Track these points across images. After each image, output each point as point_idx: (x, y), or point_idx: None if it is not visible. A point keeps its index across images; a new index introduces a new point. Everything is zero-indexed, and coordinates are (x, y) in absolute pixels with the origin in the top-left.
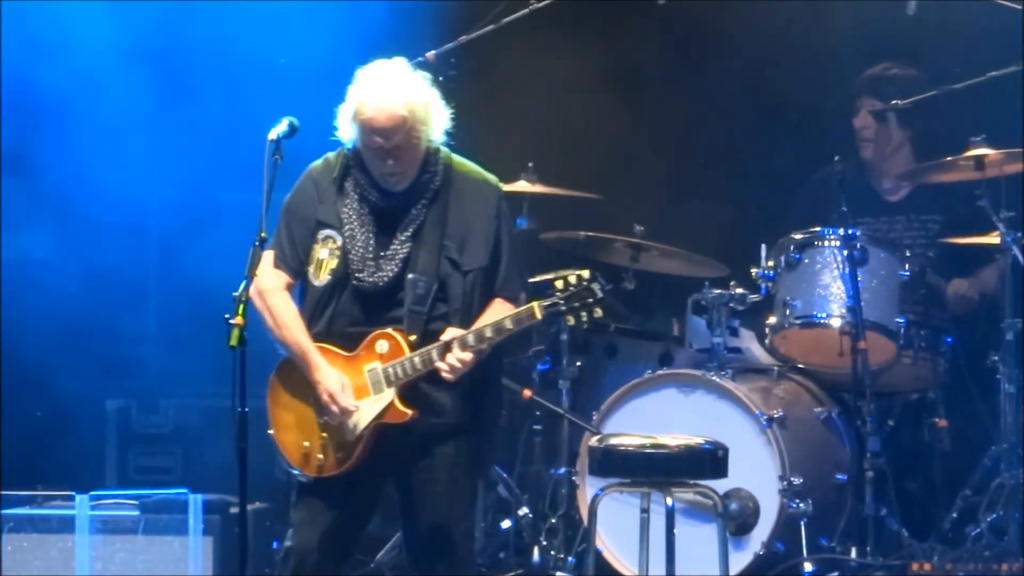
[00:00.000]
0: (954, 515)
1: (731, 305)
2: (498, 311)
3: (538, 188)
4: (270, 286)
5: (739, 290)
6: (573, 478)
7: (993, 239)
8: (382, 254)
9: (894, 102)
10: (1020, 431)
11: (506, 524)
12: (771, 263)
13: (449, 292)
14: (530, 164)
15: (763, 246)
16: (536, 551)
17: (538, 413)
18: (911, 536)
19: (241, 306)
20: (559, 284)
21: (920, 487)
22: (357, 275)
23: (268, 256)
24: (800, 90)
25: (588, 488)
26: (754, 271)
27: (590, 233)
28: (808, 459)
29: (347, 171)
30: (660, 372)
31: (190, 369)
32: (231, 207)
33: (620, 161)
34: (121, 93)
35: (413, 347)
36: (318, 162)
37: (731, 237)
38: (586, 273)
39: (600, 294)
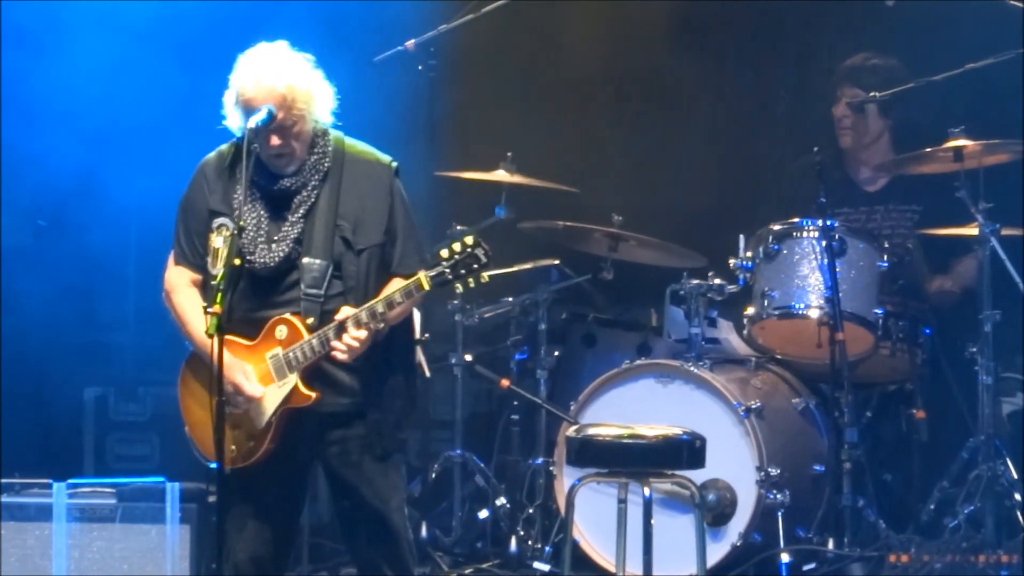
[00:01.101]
0: (931, 507)
1: (709, 296)
2: (393, 288)
3: (516, 178)
4: (175, 284)
5: (717, 281)
6: (551, 468)
7: (972, 230)
8: (275, 236)
9: (873, 93)
10: (997, 423)
11: (483, 514)
12: (749, 254)
13: (344, 271)
14: (509, 154)
15: (741, 237)
16: (513, 541)
17: (516, 403)
18: (888, 527)
19: (218, 295)
20: (444, 253)
21: (898, 478)
22: (249, 257)
23: (170, 257)
24: (779, 80)
25: (566, 478)
26: (732, 262)
27: (568, 223)
28: (786, 450)
29: (236, 159)
30: (638, 362)
31: (168, 357)
32: None
33: (599, 151)
34: (97, 83)
35: (311, 330)
36: (210, 155)
37: (709, 227)
38: (470, 239)
39: (484, 259)
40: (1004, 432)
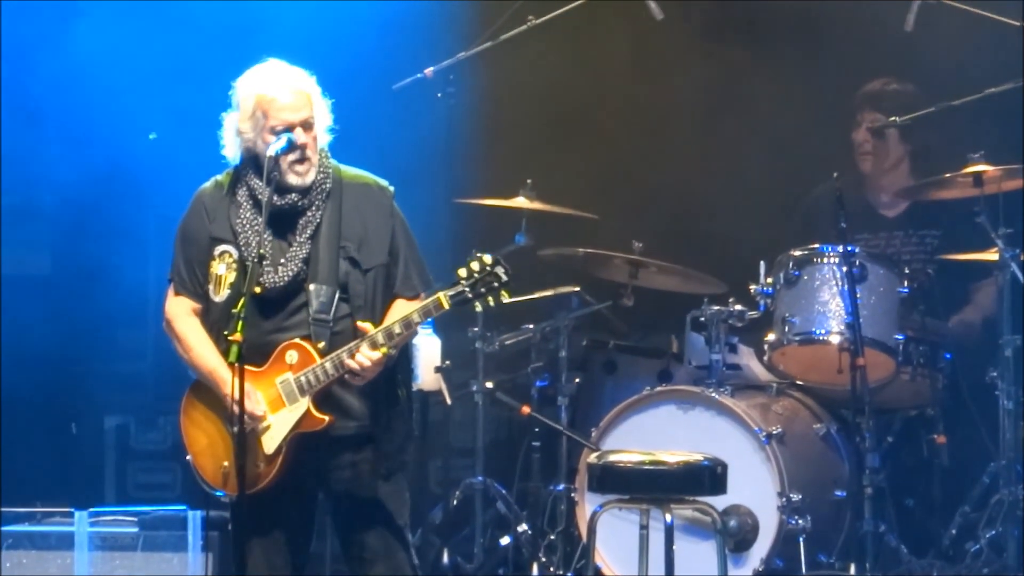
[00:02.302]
0: (953, 531)
1: (730, 322)
2: (402, 309)
3: (536, 205)
4: (175, 313)
5: (738, 307)
6: (572, 494)
7: (992, 255)
8: (281, 258)
9: (893, 118)
10: (1019, 447)
11: (505, 540)
12: (770, 280)
13: (351, 291)
14: (528, 181)
15: (762, 263)
16: (535, 568)
17: (537, 430)
18: (910, 552)
19: (239, 322)
20: (463, 272)
21: (919, 503)
22: (257, 279)
23: (169, 288)
24: (798, 106)
25: (587, 504)
26: (753, 288)
27: (588, 250)
28: (807, 475)
29: (236, 185)
30: (659, 389)
31: (188, 386)
32: None
33: (619, 178)
34: (124, 110)
35: (322, 354)
36: (207, 184)
37: (729, 254)
38: (488, 258)
39: (504, 277)
40: None
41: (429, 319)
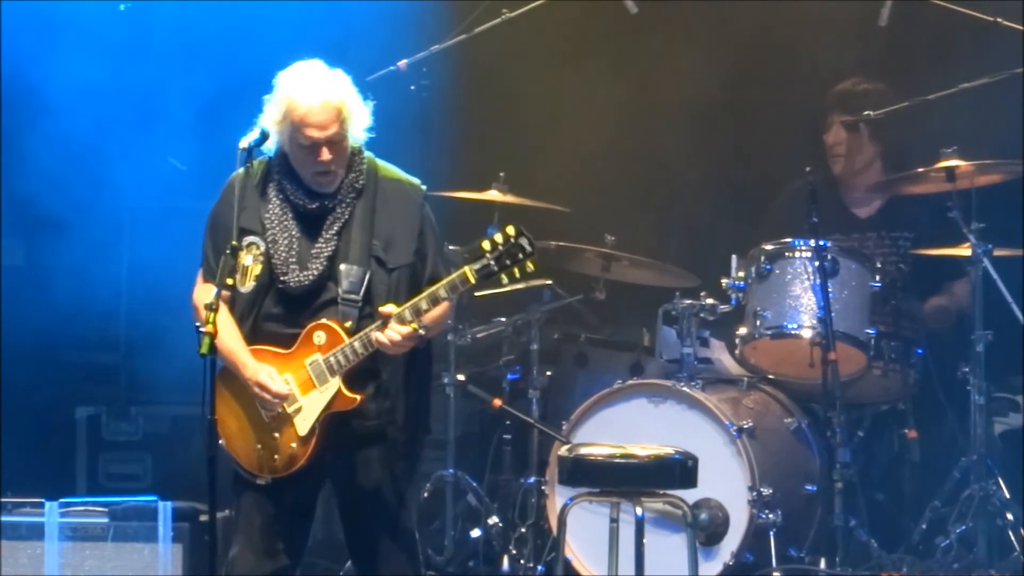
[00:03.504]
0: (923, 526)
1: (701, 315)
2: (436, 284)
3: (509, 198)
4: (202, 300)
5: (709, 300)
6: (543, 487)
7: (964, 251)
8: (307, 256)
9: (867, 113)
10: (990, 443)
11: (476, 533)
12: (742, 274)
13: (374, 289)
14: (501, 174)
15: (734, 256)
16: (506, 560)
17: (508, 422)
18: (880, 547)
19: (211, 314)
20: (486, 245)
21: (889, 498)
22: (282, 278)
23: (198, 274)
24: (772, 101)
25: (558, 497)
26: (724, 281)
27: (561, 243)
28: (778, 469)
29: (268, 177)
30: (630, 382)
31: (160, 377)
32: (203, 215)
33: (591, 171)
34: (94, 101)
35: (350, 333)
36: (239, 171)
37: (702, 247)
38: (512, 229)
39: (529, 248)
40: (996, 452)
41: (456, 294)
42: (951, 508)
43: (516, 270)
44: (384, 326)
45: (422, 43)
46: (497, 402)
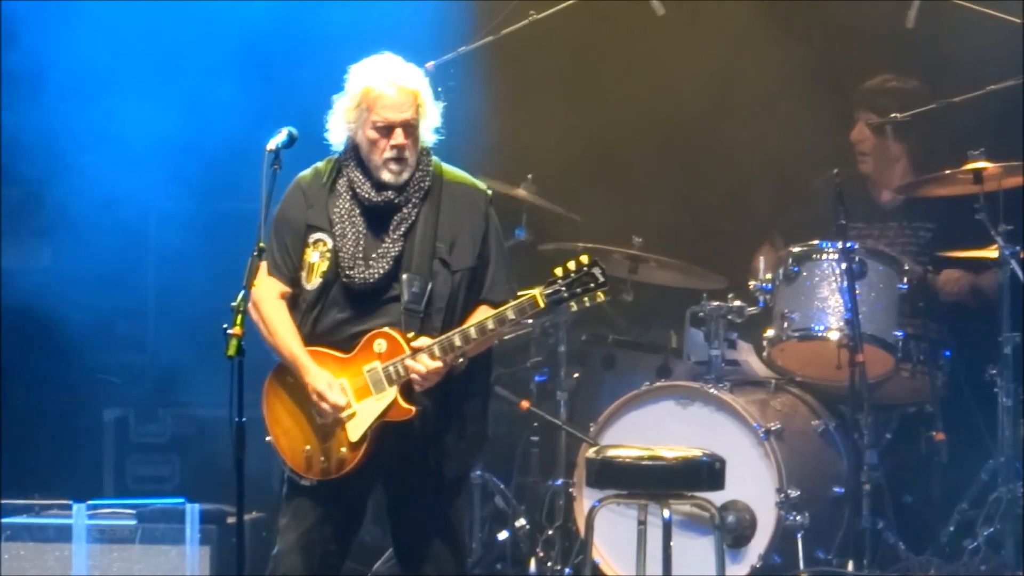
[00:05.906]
0: (951, 528)
1: (729, 317)
2: (485, 313)
3: (537, 200)
4: (264, 295)
5: (737, 302)
6: (570, 489)
7: (991, 253)
8: (373, 253)
9: (893, 115)
10: (1017, 445)
11: (503, 535)
12: (769, 275)
13: (435, 291)
14: (529, 176)
15: (761, 258)
16: (533, 562)
17: (535, 424)
18: (908, 549)
19: (239, 316)
20: (559, 272)
21: (917, 500)
22: (348, 272)
23: (263, 266)
24: (800, 101)
25: (585, 499)
26: (752, 283)
27: (588, 244)
28: (805, 472)
29: (338, 173)
30: (658, 384)
31: (188, 379)
32: (230, 216)
33: (619, 172)
34: (121, 101)
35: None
36: (306, 171)
37: (729, 249)
38: (586, 259)
39: (601, 278)
40: None
41: (524, 317)
42: (979, 510)
43: (586, 299)
44: (449, 344)
45: (450, 45)
46: (525, 404)
